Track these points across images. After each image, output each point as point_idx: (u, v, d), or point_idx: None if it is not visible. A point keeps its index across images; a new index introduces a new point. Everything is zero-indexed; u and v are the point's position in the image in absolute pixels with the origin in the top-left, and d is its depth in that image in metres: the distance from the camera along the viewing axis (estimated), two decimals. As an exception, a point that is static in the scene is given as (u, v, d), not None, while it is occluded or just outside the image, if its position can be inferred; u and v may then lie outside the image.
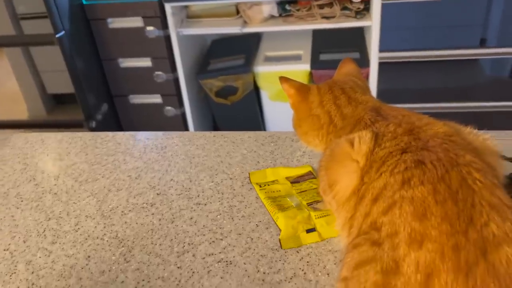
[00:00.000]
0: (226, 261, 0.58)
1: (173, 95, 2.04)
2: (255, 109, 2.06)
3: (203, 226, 0.64)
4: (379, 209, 0.41)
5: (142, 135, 0.89)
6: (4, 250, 0.64)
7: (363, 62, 1.86)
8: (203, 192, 0.71)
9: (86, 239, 0.64)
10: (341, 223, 0.49)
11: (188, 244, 0.61)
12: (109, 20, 1.90)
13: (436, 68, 2.27)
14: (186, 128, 2.12)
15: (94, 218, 0.68)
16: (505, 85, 2.27)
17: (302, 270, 0.56)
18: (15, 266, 0.61)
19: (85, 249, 0.62)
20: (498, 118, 2.01)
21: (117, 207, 0.69)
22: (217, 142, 0.83)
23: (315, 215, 0.62)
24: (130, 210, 0.69)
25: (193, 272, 0.57)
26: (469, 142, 0.45)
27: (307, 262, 0.57)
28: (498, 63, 2.37)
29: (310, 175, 0.71)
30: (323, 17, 1.85)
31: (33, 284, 0.58)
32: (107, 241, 0.63)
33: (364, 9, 1.83)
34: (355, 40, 2.04)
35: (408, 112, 0.51)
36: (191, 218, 0.66)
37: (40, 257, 0.62)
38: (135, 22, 1.88)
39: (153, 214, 0.67)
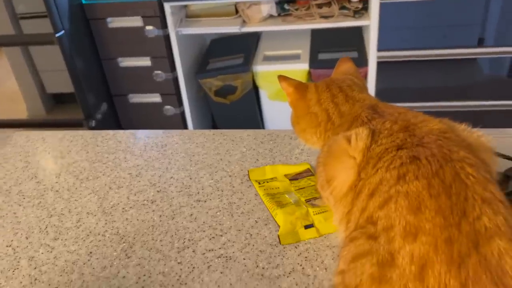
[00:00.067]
0: (226, 257, 0.59)
1: (173, 94, 2.04)
2: (254, 108, 2.07)
3: (203, 222, 0.65)
4: (375, 204, 0.42)
5: (142, 133, 0.90)
6: (7, 246, 0.65)
7: (362, 61, 1.87)
8: (203, 189, 0.72)
9: (88, 235, 0.65)
10: (338, 218, 0.51)
11: (188, 240, 0.62)
12: (109, 19, 1.91)
13: (435, 67, 2.28)
14: (185, 127, 2.13)
15: (95, 215, 0.69)
16: (503, 84, 2.28)
17: (301, 265, 0.57)
18: (18, 262, 0.62)
19: (86, 245, 0.63)
20: (496, 117, 2.02)
21: (118, 204, 0.70)
22: (217, 140, 0.84)
23: (313, 211, 0.63)
24: (131, 207, 0.69)
25: (193, 268, 0.58)
26: (463, 139, 0.46)
27: (305, 257, 0.58)
28: (496, 62, 2.38)
29: (308, 172, 0.72)
30: (321, 16, 1.86)
31: (35, 279, 0.59)
32: (108, 237, 0.64)
33: (363, 9, 1.84)
34: (353, 39, 2.05)
35: (404, 110, 0.52)
36: (191, 214, 0.67)
37: (42, 253, 0.63)
38: (135, 21, 1.88)
39: (153, 211, 0.68)
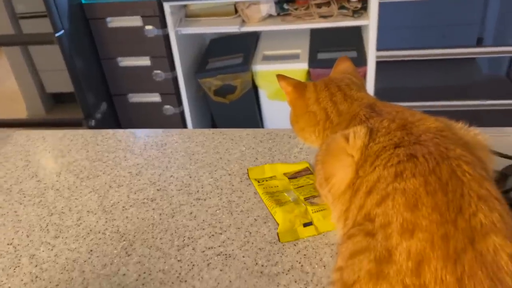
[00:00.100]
0: (225, 254, 0.60)
1: (172, 94, 2.05)
2: (253, 107, 2.08)
3: (203, 220, 0.66)
4: (373, 201, 0.43)
5: (142, 132, 0.90)
6: (8, 244, 0.65)
7: (361, 61, 1.87)
8: (202, 187, 0.72)
9: (88, 233, 0.65)
10: (336, 216, 0.51)
11: (188, 238, 0.63)
12: (108, 19, 1.91)
13: (434, 66, 2.28)
14: (184, 127, 2.13)
15: (95, 213, 0.69)
16: (501, 84, 2.29)
17: (299, 263, 0.57)
18: (19, 260, 0.62)
19: (87, 243, 0.64)
20: (495, 116, 2.03)
21: (118, 202, 0.71)
22: (216, 139, 0.84)
23: (312, 210, 0.63)
24: (131, 206, 0.70)
25: (193, 265, 0.59)
26: (460, 137, 0.47)
27: (304, 255, 0.58)
28: (494, 61, 2.38)
29: (307, 171, 0.73)
30: (320, 16, 1.87)
31: (36, 277, 0.59)
32: (108, 235, 0.65)
33: (362, 8, 1.85)
34: (352, 39, 2.05)
35: (401, 108, 0.52)
36: (191, 213, 0.67)
37: (43, 251, 0.63)
38: (134, 21, 1.89)
39: (153, 209, 0.69)
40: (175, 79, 2.00)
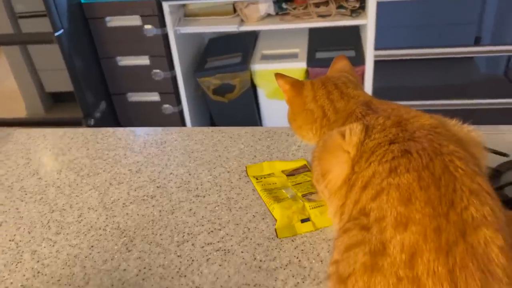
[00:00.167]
0: (224, 250, 0.61)
1: (171, 93, 2.06)
2: (252, 107, 2.08)
3: (202, 217, 0.67)
4: (368, 196, 0.44)
5: (141, 130, 0.91)
6: (10, 240, 0.66)
7: (359, 60, 1.88)
8: (201, 185, 0.73)
9: (89, 230, 0.66)
10: (333, 211, 0.52)
11: (188, 234, 0.64)
12: (107, 18, 1.92)
13: (432, 66, 2.29)
14: (183, 126, 2.14)
15: (96, 210, 0.70)
16: (499, 83, 2.30)
17: (297, 258, 0.58)
18: (21, 255, 0.63)
19: (88, 239, 0.65)
20: (493, 115, 2.04)
21: (119, 199, 0.72)
22: (215, 137, 0.85)
23: (309, 206, 0.64)
24: (131, 202, 0.71)
25: (193, 260, 0.60)
26: (453, 134, 0.48)
27: (302, 250, 0.60)
28: (492, 60, 2.40)
29: (305, 168, 0.74)
30: (319, 15, 1.88)
31: (38, 272, 0.60)
32: (109, 231, 0.66)
33: (360, 8, 1.86)
34: (351, 38, 2.06)
35: (397, 106, 0.53)
36: (190, 209, 0.68)
37: (45, 247, 0.64)
38: (133, 20, 1.90)
39: (153, 206, 0.70)
40: (174, 78, 2.01)
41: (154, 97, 2.09)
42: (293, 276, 0.56)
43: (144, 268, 0.59)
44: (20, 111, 2.26)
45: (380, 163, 0.45)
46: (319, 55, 1.98)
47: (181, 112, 2.11)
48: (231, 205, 0.68)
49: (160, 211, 0.69)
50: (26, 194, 0.75)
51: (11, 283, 0.59)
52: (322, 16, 1.87)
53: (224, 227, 0.64)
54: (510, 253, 0.39)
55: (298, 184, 0.70)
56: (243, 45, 2.10)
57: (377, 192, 0.43)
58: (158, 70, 1.99)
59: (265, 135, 0.84)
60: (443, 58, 2.08)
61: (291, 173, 0.73)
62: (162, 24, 1.88)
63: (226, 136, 0.85)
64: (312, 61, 1.93)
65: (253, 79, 1.99)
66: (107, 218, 0.68)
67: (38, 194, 0.75)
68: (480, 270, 0.37)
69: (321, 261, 0.58)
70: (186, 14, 2.00)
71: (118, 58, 2.01)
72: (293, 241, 0.61)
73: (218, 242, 0.62)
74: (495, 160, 0.69)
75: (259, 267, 0.58)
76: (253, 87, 2.03)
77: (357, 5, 1.85)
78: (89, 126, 1.97)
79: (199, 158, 0.80)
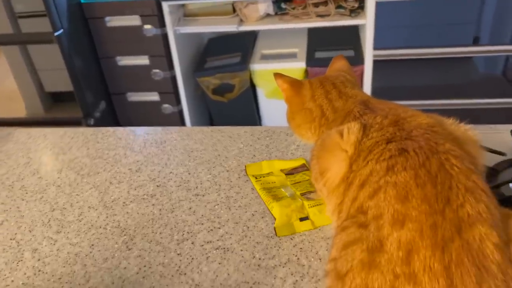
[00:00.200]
0: (224, 248, 0.61)
1: (171, 92, 2.06)
2: (251, 106, 2.09)
3: (202, 215, 0.67)
4: (365, 194, 0.44)
5: (141, 130, 0.92)
6: (11, 239, 0.66)
7: (358, 60, 1.89)
8: (201, 184, 0.74)
9: (90, 228, 0.67)
10: (331, 209, 0.53)
11: (187, 232, 0.64)
12: (107, 18, 1.92)
13: (430, 65, 2.30)
14: (183, 125, 2.15)
15: (96, 209, 0.71)
16: (498, 82, 2.31)
17: (296, 256, 0.59)
18: (22, 254, 0.64)
19: (88, 237, 0.65)
20: (492, 115, 2.05)
21: (119, 198, 0.72)
22: (215, 136, 0.86)
23: (308, 204, 0.65)
24: (131, 201, 0.71)
25: (192, 259, 0.60)
26: (450, 132, 0.49)
27: (301, 248, 0.60)
28: (491, 60, 2.40)
29: (304, 167, 0.74)
30: (318, 15, 1.88)
31: (39, 270, 0.61)
32: (109, 230, 0.66)
33: (359, 8, 1.86)
34: (349, 38, 2.07)
35: (394, 105, 0.54)
36: (190, 208, 0.69)
37: (45, 246, 0.65)
38: (133, 20, 1.90)
39: (153, 204, 0.70)
40: (173, 78, 2.02)
41: (154, 97, 2.09)
42: (292, 274, 0.56)
43: (144, 266, 0.60)
44: (19, 111, 2.26)
45: (378, 161, 0.45)
46: (318, 54, 1.99)
47: (180, 112, 2.11)
48: (230, 204, 0.69)
49: (160, 209, 0.69)
50: (27, 193, 0.76)
51: (12, 281, 0.60)
52: (321, 16, 1.88)
53: (224, 226, 0.65)
54: (505, 250, 0.39)
55: (297, 183, 0.71)
56: (242, 45, 2.10)
57: (375, 190, 0.43)
58: (157, 70, 2.00)
59: (264, 135, 0.85)
60: (442, 58, 2.08)
61: (290, 172, 0.74)
62: (162, 24, 1.89)
63: (225, 135, 0.86)
64: (311, 60, 1.94)
65: (252, 79, 1.99)
66: (107, 217, 0.69)
67: (38, 193, 0.75)
68: (476, 266, 0.37)
69: (320, 259, 0.58)
70: (186, 14, 2.01)
71: (118, 58, 2.01)
72: (292, 239, 0.61)
73: (218, 240, 0.63)
74: (492, 159, 0.69)
75: (258, 265, 0.58)
76: (253, 87, 2.04)
77: (356, 5, 1.85)
78: (88, 125, 1.97)
79: (198, 157, 0.80)
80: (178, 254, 0.61)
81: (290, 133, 0.83)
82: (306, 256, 0.59)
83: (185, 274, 0.58)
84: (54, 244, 0.65)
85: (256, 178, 0.73)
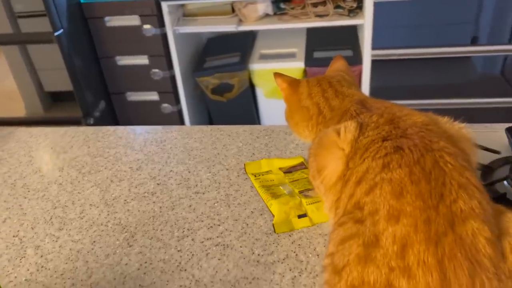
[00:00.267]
0: (223, 245, 0.62)
1: (170, 92, 2.07)
2: (250, 106, 2.10)
3: (202, 213, 0.68)
4: (362, 191, 0.45)
5: (142, 129, 0.93)
6: (14, 236, 0.67)
7: (356, 59, 1.90)
8: (201, 182, 0.75)
9: (91, 225, 0.68)
10: (328, 206, 0.54)
11: (188, 229, 0.65)
12: (107, 18, 1.93)
13: (429, 65, 2.31)
14: (182, 125, 2.15)
15: (98, 207, 0.72)
16: (496, 82, 2.32)
17: (294, 252, 0.60)
18: (25, 251, 0.65)
19: (90, 234, 0.66)
20: (490, 114, 2.06)
21: (120, 196, 0.73)
22: (214, 135, 0.87)
23: (306, 202, 0.66)
24: (132, 199, 0.72)
25: (193, 255, 0.61)
26: (444, 131, 0.50)
27: (299, 244, 0.61)
28: (489, 60, 2.41)
29: (302, 166, 0.76)
30: (316, 15, 1.89)
31: (42, 267, 0.62)
32: (111, 227, 0.67)
33: (357, 8, 1.87)
34: (348, 38, 2.08)
35: (390, 104, 0.55)
36: (190, 205, 0.70)
37: (48, 243, 0.66)
38: (132, 20, 1.91)
39: (154, 202, 0.71)
40: (173, 78, 2.03)
41: (153, 96, 2.10)
42: (290, 270, 0.57)
43: (145, 262, 0.61)
44: (19, 111, 2.27)
45: (374, 159, 0.46)
46: (317, 54, 2.00)
47: (180, 112, 2.12)
48: (230, 202, 0.70)
49: (160, 207, 0.70)
50: (29, 191, 0.77)
51: (15, 277, 0.61)
52: (319, 16, 1.89)
53: (223, 223, 0.66)
54: (497, 244, 0.40)
55: (295, 181, 0.72)
56: (241, 45, 2.11)
57: (371, 186, 0.44)
58: (157, 70, 2.00)
59: (263, 133, 0.86)
60: (440, 57, 2.09)
61: (288, 170, 0.75)
62: (161, 24, 1.90)
63: (224, 134, 0.87)
64: (310, 60, 1.95)
65: (251, 78, 2.00)
66: (108, 214, 0.70)
67: (40, 191, 0.76)
68: (468, 260, 0.38)
69: (318, 255, 0.59)
70: (185, 14, 2.02)
71: (117, 57, 2.02)
72: (290, 236, 0.63)
73: (217, 237, 0.64)
74: (487, 157, 0.71)
75: (257, 261, 0.59)
76: (252, 86, 2.05)
77: (355, 5, 1.87)
78: (88, 125, 1.98)
79: (198, 156, 0.81)
80: (178, 251, 0.62)
81: (289, 132, 0.84)
82: (304, 252, 0.60)
83: (185, 270, 0.59)
84: (56, 241, 0.66)
85: (255, 176, 0.74)
